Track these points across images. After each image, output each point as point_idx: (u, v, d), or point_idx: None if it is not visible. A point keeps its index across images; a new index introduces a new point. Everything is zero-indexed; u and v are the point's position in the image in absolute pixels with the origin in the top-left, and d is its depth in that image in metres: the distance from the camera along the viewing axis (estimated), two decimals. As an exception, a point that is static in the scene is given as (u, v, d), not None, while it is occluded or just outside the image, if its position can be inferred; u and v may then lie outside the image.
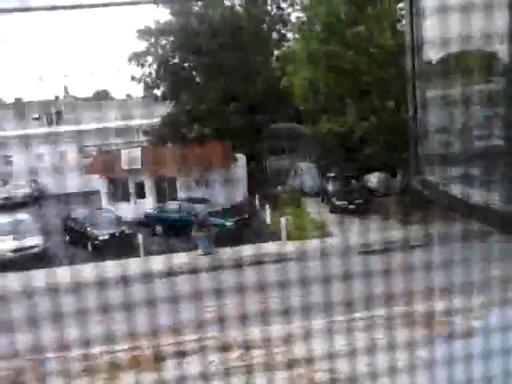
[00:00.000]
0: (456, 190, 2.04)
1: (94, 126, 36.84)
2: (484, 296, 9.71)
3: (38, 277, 16.31)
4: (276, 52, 35.71)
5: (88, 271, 17.45)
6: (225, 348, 8.22)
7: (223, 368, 6.98)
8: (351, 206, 23.62)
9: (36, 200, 34.12)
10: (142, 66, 33.41)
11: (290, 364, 7.64)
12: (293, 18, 33.57)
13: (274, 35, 35.56)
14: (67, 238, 22.94)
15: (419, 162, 2.40)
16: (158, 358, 8.43)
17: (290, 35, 34.76)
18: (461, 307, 9.94)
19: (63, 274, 17.49)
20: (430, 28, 2.16)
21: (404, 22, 22.71)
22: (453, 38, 2.06)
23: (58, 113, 43.57)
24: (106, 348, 9.38)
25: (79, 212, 23.44)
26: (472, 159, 2.08)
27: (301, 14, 28.64)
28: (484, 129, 2.07)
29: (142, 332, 9.94)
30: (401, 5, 22.24)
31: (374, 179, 27.32)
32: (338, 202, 24.27)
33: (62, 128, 39.78)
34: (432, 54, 2.27)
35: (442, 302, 10.33)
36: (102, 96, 53.61)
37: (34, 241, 20.52)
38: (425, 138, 2.33)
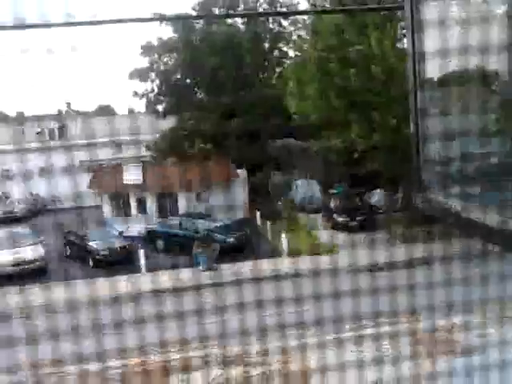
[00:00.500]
0: (459, 207, 2.03)
1: (96, 140, 36.99)
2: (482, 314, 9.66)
3: (37, 293, 16.27)
4: (277, 69, 35.99)
5: (89, 286, 17.41)
6: (228, 363, 8.19)
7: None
8: (352, 223, 23.56)
9: (37, 214, 34.12)
10: (145, 81, 33.66)
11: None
12: (294, 36, 33.88)
13: (276, 53, 35.86)
14: (68, 252, 22.87)
15: (421, 180, 2.39)
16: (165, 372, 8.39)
17: (291, 53, 35.08)
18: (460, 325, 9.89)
19: (63, 289, 17.44)
20: (431, 45, 2.17)
21: (405, 40, 22.91)
22: (453, 55, 2.07)
23: (61, 127, 43.77)
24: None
25: (80, 226, 23.39)
26: (476, 176, 2.07)
27: (302, 32, 28.87)
28: (487, 146, 2.08)
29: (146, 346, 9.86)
30: (402, 23, 22.46)
31: (375, 196, 27.31)
32: (339, 219, 24.23)
33: (65, 142, 39.93)
34: (433, 72, 2.29)
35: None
36: (105, 111, 53.92)
37: (35, 255, 20.45)
38: (427, 155, 2.33)
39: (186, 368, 8.26)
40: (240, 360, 8.63)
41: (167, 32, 43.68)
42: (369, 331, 10.36)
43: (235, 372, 8.07)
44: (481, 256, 11.24)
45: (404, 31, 21.88)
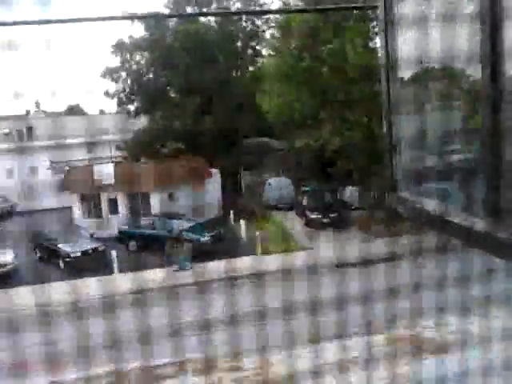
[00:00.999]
0: (430, 206, 2.06)
1: (66, 141, 36.35)
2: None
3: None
4: (251, 68, 35.96)
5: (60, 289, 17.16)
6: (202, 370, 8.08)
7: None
8: (325, 220, 23.75)
9: (5, 217, 33.35)
10: (116, 81, 33.20)
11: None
12: (267, 34, 33.94)
13: (249, 51, 35.82)
14: (38, 255, 22.43)
15: (394, 178, 2.42)
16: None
17: (264, 52, 35.10)
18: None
19: (34, 292, 17.13)
20: (403, 45, 2.19)
21: (377, 39, 23.20)
22: (425, 54, 2.10)
23: (29, 128, 42.86)
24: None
25: (50, 229, 22.97)
26: (447, 174, 2.10)
27: (276, 31, 28.91)
28: (458, 143, 2.11)
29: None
30: (374, 23, 22.75)
31: (348, 193, 27.57)
32: (312, 216, 24.39)
33: (33, 143, 39.11)
34: (405, 71, 2.31)
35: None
36: (75, 111, 53.06)
37: (5, 258, 20.00)
38: (399, 153, 2.36)
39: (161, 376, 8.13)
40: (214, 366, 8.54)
41: (139, 30, 43.18)
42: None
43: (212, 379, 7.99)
44: (450, 253, 11.48)
45: (377, 30, 22.17)
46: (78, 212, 28.06)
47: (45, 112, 48.66)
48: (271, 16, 32.07)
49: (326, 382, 7.90)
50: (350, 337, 10.12)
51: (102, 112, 48.31)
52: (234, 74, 33.28)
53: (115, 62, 33.25)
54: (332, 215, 23.96)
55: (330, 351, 9.36)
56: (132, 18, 27.51)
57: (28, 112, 49.20)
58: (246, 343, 9.49)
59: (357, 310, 10.34)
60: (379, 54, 2.35)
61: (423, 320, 10.39)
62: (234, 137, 31.62)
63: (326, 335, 10.00)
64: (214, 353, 9.45)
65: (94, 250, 20.96)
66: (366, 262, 17.06)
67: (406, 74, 2.25)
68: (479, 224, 1.67)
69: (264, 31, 34.68)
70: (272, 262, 18.80)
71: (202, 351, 9.66)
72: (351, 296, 11.40)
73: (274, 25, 31.43)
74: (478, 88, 1.78)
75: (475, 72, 1.75)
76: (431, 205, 2.10)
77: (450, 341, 9.18)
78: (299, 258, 18.81)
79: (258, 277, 17.31)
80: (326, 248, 19.08)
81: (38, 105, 50.17)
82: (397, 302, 10.55)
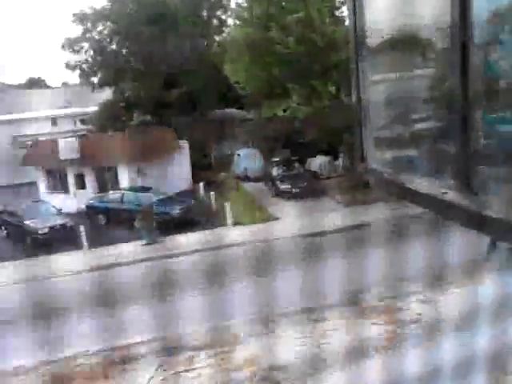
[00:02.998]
0: (399, 175, 2.07)
1: (27, 114, 35.27)
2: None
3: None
4: (217, 38, 35.32)
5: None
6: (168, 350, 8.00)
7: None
8: (295, 190, 23.90)
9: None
10: (78, 52, 32.15)
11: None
12: (233, 3, 33.27)
13: (215, 21, 35.13)
14: (4, 232, 21.97)
15: (362, 147, 2.42)
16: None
17: (230, 21, 34.45)
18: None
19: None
20: (371, 13, 2.17)
21: (344, 8, 23.01)
22: (393, 23, 2.08)
23: (-11, 101, 41.34)
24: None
25: (15, 205, 22.43)
26: (415, 143, 2.11)
27: (240, 0, 28.36)
28: (424, 111, 2.12)
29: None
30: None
31: (316, 163, 27.72)
32: (281, 186, 24.50)
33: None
34: (373, 39, 2.29)
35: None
36: (36, 83, 51.40)
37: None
38: (368, 122, 2.35)
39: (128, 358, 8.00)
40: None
41: (101, 0, 41.69)
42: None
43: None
44: (419, 223, 11.71)
45: (342, -1, 21.99)
46: (43, 187, 27.47)
47: (4, 84, 46.95)
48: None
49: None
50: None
51: (64, 84, 46.96)
52: (199, 44, 32.60)
53: (76, 32, 32.19)
54: (301, 185, 24.11)
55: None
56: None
57: (-14, 85, 47.38)
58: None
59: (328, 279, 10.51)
60: (346, 23, 2.32)
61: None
62: (202, 108, 31.22)
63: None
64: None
65: (62, 225, 20.63)
66: (336, 231, 17.32)
67: (374, 42, 2.23)
68: (449, 194, 1.68)
69: (229, 0, 34.00)
70: (242, 233, 18.91)
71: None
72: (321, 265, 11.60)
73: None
74: (446, 56, 1.77)
75: (443, 40, 1.74)
76: (399, 174, 2.12)
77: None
78: (269, 229, 18.96)
79: (228, 248, 17.41)
80: (296, 218, 19.26)
81: (-4, 77, 48.34)
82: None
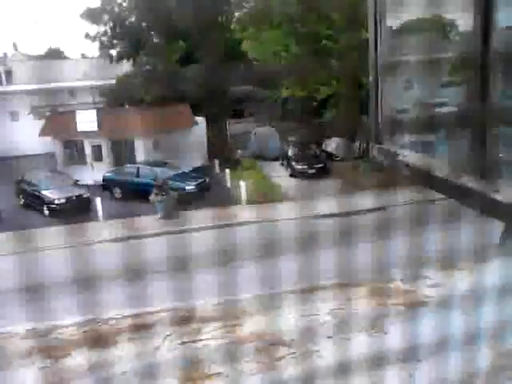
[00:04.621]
0: (414, 158, 2.08)
1: (46, 85, 35.40)
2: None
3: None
4: (237, 13, 34.93)
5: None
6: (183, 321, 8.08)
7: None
8: (311, 171, 23.84)
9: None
10: (97, 23, 32.07)
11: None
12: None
13: (236, -4, 34.72)
14: (21, 201, 22.29)
15: (379, 129, 2.42)
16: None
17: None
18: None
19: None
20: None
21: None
22: (414, 4, 2.06)
23: (8, 71, 41.54)
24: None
25: (33, 174, 22.67)
26: (432, 127, 2.11)
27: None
28: (445, 96, 2.11)
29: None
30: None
31: (333, 144, 27.56)
32: (297, 167, 24.45)
33: (12, 87, 38.03)
34: (393, 20, 2.27)
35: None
36: (55, 54, 51.43)
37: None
38: (385, 104, 2.35)
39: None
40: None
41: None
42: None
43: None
44: (433, 205, 11.62)
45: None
46: (61, 158, 27.73)
47: (24, 55, 47.07)
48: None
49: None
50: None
51: (83, 56, 46.96)
52: (219, 19, 32.28)
53: (96, 2, 32.11)
54: (317, 166, 24.03)
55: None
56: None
57: (5, 55, 47.57)
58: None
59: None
60: (367, 2, 2.29)
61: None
62: (220, 84, 31.06)
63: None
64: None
65: (79, 196, 20.88)
66: (349, 213, 17.29)
67: (394, 23, 2.21)
68: (465, 180, 1.69)
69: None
70: (256, 211, 18.96)
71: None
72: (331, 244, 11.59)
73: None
74: (468, 39, 1.75)
75: (465, 23, 1.72)
76: (414, 158, 2.12)
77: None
78: (283, 208, 18.99)
79: (240, 225, 17.49)
80: (311, 198, 19.24)
81: (15, 47, 48.50)
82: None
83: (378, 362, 3.86)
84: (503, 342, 3.63)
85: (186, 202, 19.80)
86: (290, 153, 25.97)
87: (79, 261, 13.09)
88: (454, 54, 1.86)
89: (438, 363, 3.81)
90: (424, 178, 1.82)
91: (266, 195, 20.85)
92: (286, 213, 18.11)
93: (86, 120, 25.86)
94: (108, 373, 4.37)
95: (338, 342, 4.46)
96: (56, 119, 28.32)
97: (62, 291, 9.42)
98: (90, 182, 24.48)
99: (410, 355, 3.94)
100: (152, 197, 19.70)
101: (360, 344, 4.42)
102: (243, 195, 20.46)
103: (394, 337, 4.43)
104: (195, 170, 25.12)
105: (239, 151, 29.49)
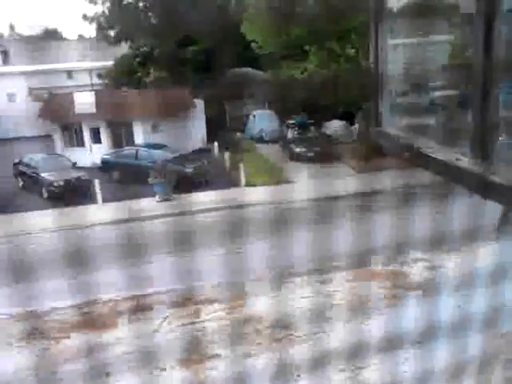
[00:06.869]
0: (414, 141, 2.07)
1: (44, 67, 35.10)
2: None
3: None
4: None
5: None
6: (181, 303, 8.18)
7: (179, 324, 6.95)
8: (310, 153, 23.78)
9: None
10: (95, 3, 31.70)
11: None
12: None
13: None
14: (20, 183, 22.26)
15: (378, 112, 2.41)
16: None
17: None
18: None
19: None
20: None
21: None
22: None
23: (4, 52, 41.14)
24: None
25: (31, 157, 22.60)
26: (432, 110, 2.10)
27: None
28: (443, 79, 2.09)
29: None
30: None
31: (332, 127, 27.44)
32: (296, 149, 24.38)
33: (9, 68, 37.70)
34: (394, 1, 2.24)
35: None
36: (52, 35, 50.86)
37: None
38: (385, 87, 2.33)
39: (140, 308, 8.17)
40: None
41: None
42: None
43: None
44: (433, 189, 11.64)
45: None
46: (59, 141, 27.62)
47: (20, 35, 46.60)
48: None
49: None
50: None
51: (81, 37, 46.49)
52: (218, 1, 31.93)
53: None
54: (316, 149, 23.96)
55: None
56: None
57: (1, 35, 47.11)
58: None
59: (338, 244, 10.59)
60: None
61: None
62: (219, 67, 30.82)
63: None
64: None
65: (77, 179, 20.85)
66: (347, 196, 17.32)
67: (395, 4, 2.19)
68: (463, 161, 1.69)
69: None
70: (254, 194, 18.97)
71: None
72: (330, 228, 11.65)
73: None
74: (471, 22, 1.73)
75: (467, 4, 1.70)
76: (415, 140, 2.11)
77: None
78: (282, 191, 19.00)
79: (240, 208, 17.53)
80: (308, 182, 19.24)
81: (12, 27, 48.01)
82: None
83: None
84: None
85: (185, 184, 19.79)
86: (289, 135, 25.87)
87: (77, 243, 13.15)
88: (455, 36, 1.84)
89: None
90: (421, 160, 1.82)
91: (265, 178, 20.85)
92: (284, 195, 18.14)
93: (84, 102, 25.69)
94: (107, 354, 4.42)
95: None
96: (54, 101, 28.13)
97: (62, 273, 9.48)
98: (88, 164, 24.42)
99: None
100: (150, 179, 19.67)
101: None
102: (242, 178, 20.46)
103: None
104: (194, 152, 25.04)
105: (238, 134, 29.37)
